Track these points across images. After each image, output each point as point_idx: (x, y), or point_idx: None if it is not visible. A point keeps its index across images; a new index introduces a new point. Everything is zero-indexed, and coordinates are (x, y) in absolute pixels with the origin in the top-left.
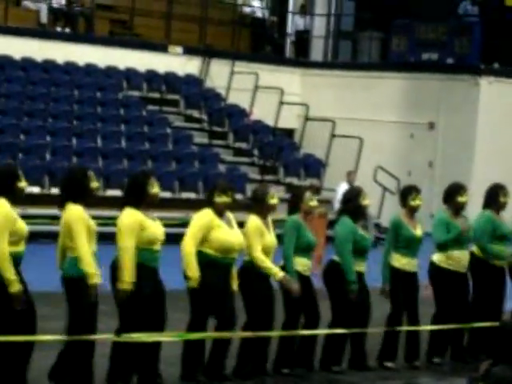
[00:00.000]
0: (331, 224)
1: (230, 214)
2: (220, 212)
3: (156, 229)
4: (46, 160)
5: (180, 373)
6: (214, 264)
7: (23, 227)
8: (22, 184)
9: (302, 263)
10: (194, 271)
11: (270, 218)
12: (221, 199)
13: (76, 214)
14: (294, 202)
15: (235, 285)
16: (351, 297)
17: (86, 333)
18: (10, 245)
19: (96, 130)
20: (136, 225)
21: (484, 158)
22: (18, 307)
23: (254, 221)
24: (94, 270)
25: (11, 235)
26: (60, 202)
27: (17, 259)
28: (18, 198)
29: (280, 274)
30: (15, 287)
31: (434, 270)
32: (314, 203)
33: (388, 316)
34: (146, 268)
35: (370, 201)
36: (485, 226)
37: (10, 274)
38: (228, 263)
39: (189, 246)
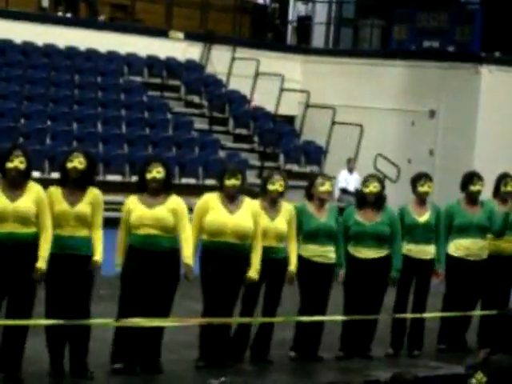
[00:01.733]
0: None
1: (247, 200)
2: (230, 195)
3: (143, 212)
4: (46, 145)
5: (198, 355)
6: (206, 250)
7: (4, 205)
8: (10, 164)
9: (308, 249)
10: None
11: (284, 203)
12: (230, 182)
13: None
14: (308, 190)
15: (253, 272)
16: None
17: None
18: None
19: (96, 115)
20: (126, 212)
21: (485, 146)
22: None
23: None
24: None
25: None
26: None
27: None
28: (9, 179)
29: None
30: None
31: (445, 258)
32: (323, 188)
33: (394, 304)
34: (136, 250)
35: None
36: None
37: None
38: (222, 247)
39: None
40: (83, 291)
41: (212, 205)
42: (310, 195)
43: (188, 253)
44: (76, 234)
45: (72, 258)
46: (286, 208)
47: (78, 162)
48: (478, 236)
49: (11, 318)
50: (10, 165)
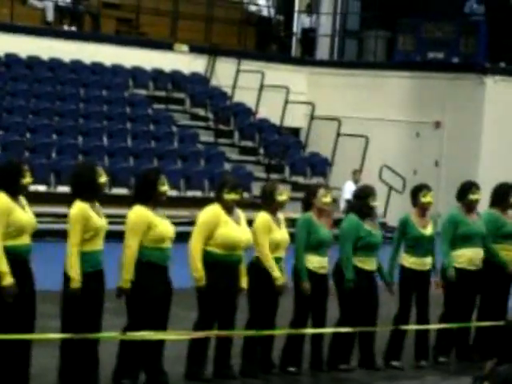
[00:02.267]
0: (337, 223)
1: (239, 211)
2: (228, 209)
3: (165, 226)
4: (52, 158)
5: (185, 371)
6: (219, 263)
7: (22, 219)
8: (26, 180)
9: (313, 261)
10: (199, 272)
11: (281, 215)
12: (229, 196)
13: (75, 213)
14: (308, 200)
15: (244, 282)
16: (347, 294)
17: (80, 331)
18: (7, 237)
19: (102, 129)
20: (143, 224)
21: (490, 156)
22: (8, 300)
23: (262, 217)
24: (74, 274)
25: (7, 227)
26: (70, 199)
27: (17, 253)
28: (21, 193)
29: (280, 280)
30: (6, 280)
31: (444, 268)
32: (327, 200)
33: (395, 315)
34: (156, 267)
35: (378, 202)
36: (490, 226)
37: (2, 266)
38: (234, 261)
39: (194, 245)
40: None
41: (222, 218)
42: (309, 205)
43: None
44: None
45: (101, 273)
46: (283, 218)
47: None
48: (479, 245)
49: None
50: (25, 180)
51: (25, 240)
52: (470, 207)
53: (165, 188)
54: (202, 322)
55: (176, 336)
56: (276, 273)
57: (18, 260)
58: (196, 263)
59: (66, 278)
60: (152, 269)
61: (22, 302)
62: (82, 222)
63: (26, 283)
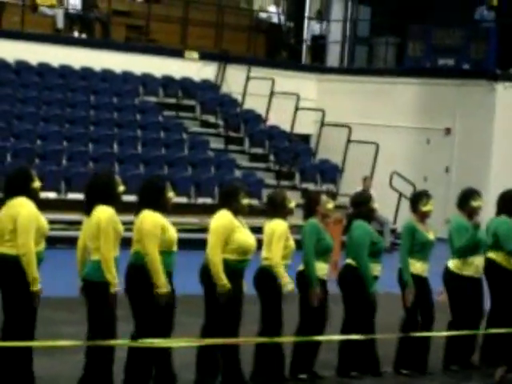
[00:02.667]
0: (345, 230)
1: (241, 218)
2: (242, 214)
3: (173, 231)
4: (62, 165)
5: (195, 378)
6: (232, 270)
7: (44, 225)
8: (36, 184)
9: (320, 268)
10: (222, 280)
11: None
12: (245, 201)
13: (108, 215)
14: (310, 206)
15: (245, 286)
16: (371, 300)
17: (108, 338)
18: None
19: (112, 136)
20: (159, 230)
21: (500, 163)
22: (36, 305)
23: (282, 225)
24: (114, 279)
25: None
26: (87, 206)
27: (39, 258)
28: (33, 199)
29: (290, 286)
30: (37, 286)
31: (450, 276)
32: (330, 206)
33: (402, 322)
34: (164, 272)
35: (383, 206)
36: (509, 232)
37: (35, 271)
38: (244, 267)
39: (214, 255)
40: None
41: (236, 224)
42: (312, 212)
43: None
44: None
45: None
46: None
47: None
48: (483, 253)
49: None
50: (36, 185)
51: (43, 245)
52: (471, 214)
53: (171, 194)
54: (211, 328)
55: (185, 343)
56: (286, 279)
57: (39, 265)
58: (219, 273)
59: (97, 286)
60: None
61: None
62: (114, 228)
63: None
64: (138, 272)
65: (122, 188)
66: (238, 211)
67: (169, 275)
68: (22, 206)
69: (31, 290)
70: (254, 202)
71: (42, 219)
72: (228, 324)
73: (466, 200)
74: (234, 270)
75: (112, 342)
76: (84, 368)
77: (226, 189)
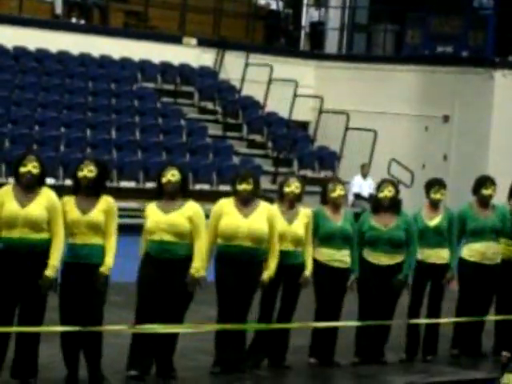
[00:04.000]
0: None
1: (259, 203)
2: (243, 200)
3: (154, 218)
4: (60, 151)
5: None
6: (220, 253)
7: (11, 211)
8: (23, 169)
9: (323, 253)
10: (202, 262)
11: (301, 208)
12: (240, 186)
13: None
14: (322, 195)
15: (266, 275)
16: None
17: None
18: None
19: (110, 122)
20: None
21: (499, 150)
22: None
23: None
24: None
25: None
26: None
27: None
28: (22, 183)
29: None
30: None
31: (459, 262)
32: (335, 194)
33: (408, 308)
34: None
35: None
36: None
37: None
38: (234, 252)
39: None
40: (96, 299)
41: (226, 210)
42: (324, 200)
43: (197, 264)
44: (88, 242)
45: (85, 266)
46: (303, 212)
47: (87, 171)
48: (491, 240)
49: (23, 325)
50: (23, 169)
51: (15, 233)
52: (482, 202)
53: (166, 179)
54: (219, 314)
55: (184, 329)
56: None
57: (10, 252)
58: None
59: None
60: (147, 259)
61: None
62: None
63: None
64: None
65: (80, 173)
66: (235, 196)
67: (158, 262)
68: None
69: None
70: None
71: (9, 206)
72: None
73: (478, 188)
74: (221, 254)
75: (109, 328)
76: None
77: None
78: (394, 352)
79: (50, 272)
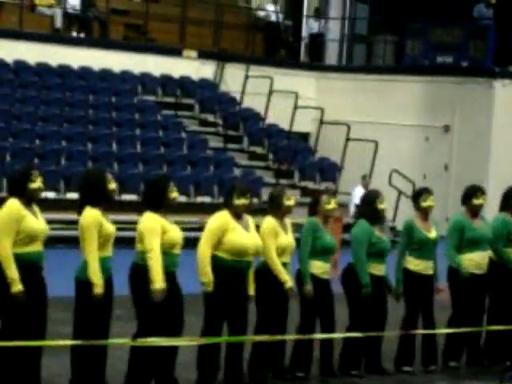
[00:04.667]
0: (347, 228)
1: (248, 217)
2: (238, 214)
3: (176, 232)
4: (61, 165)
5: (196, 378)
6: (227, 268)
7: (33, 226)
8: (34, 185)
9: (318, 266)
10: (207, 276)
11: (287, 220)
12: (239, 201)
13: (88, 219)
14: (312, 206)
15: (252, 289)
16: (363, 299)
17: (92, 337)
18: (19, 244)
19: (111, 135)
20: (159, 228)
21: (499, 160)
22: (16, 306)
23: (268, 221)
24: (98, 280)
25: (18, 234)
26: (79, 206)
27: (28, 259)
28: (32, 200)
29: (289, 283)
30: (15, 287)
31: (451, 273)
32: (330, 206)
33: (403, 319)
34: (165, 273)
35: (386, 204)
36: (501, 230)
37: (11, 272)
38: (242, 267)
39: (203, 250)
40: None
41: (231, 225)
42: (313, 211)
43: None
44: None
45: (110, 280)
46: (289, 223)
47: (114, 183)
48: (486, 249)
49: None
50: (33, 185)
51: (36, 247)
52: (474, 212)
53: (174, 194)
54: (209, 328)
55: (187, 342)
56: (284, 276)
57: (30, 267)
58: (204, 268)
59: (83, 285)
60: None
61: (33, 308)
62: (97, 228)
63: (38, 290)
64: (139, 272)
65: (112, 186)
66: (232, 210)
67: (171, 276)
68: (3, 208)
69: (11, 291)
70: (253, 200)
71: (30, 220)
72: (230, 323)
73: (469, 198)
74: (231, 270)
75: (112, 342)
76: (71, 367)
77: (228, 188)
78: (391, 363)
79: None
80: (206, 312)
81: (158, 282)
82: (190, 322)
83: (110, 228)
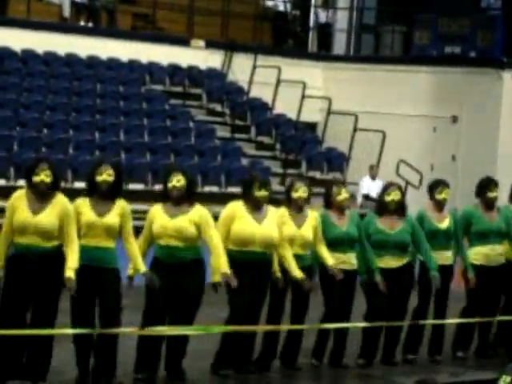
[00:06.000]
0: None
1: (270, 209)
2: (257, 205)
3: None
4: (68, 154)
5: (211, 365)
6: (234, 260)
7: (18, 219)
8: (36, 178)
9: (335, 257)
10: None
11: (310, 212)
12: (260, 193)
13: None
14: (325, 198)
15: (299, 272)
16: (379, 286)
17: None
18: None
19: (119, 124)
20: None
21: (507, 151)
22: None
23: (278, 212)
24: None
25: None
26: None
27: (17, 249)
28: (37, 192)
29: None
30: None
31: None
32: (341, 197)
33: (414, 309)
34: (164, 264)
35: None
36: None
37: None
38: (247, 258)
39: (221, 242)
40: (111, 302)
41: (239, 214)
42: (328, 203)
43: (222, 262)
44: (101, 245)
45: (96, 269)
46: (312, 215)
47: (106, 175)
48: (496, 242)
49: (35, 328)
50: (36, 178)
51: (24, 240)
52: (488, 204)
53: (171, 184)
54: (232, 317)
55: (192, 331)
56: (277, 266)
57: (19, 256)
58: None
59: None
60: (155, 263)
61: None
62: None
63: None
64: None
65: (99, 178)
66: (250, 202)
67: (170, 267)
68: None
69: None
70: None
71: (20, 213)
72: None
73: (482, 190)
74: (234, 261)
75: (119, 331)
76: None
77: (245, 179)
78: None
79: (69, 274)
80: (229, 302)
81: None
82: (202, 312)
83: (91, 218)
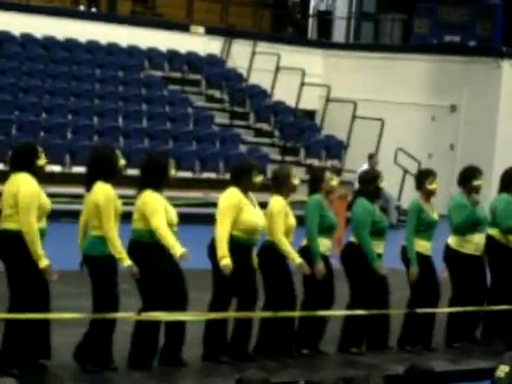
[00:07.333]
0: (350, 206)
1: (251, 194)
2: (251, 191)
3: (173, 213)
4: (67, 139)
5: (202, 353)
6: (239, 246)
7: (46, 202)
8: (41, 162)
9: (322, 244)
10: (225, 251)
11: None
12: (258, 179)
13: (107, 195)
14: (314, 183)
15: (255, 264)
16: (378, 274)
17: (110, 310)
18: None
19: (118, 110)
20: (163, 208)
21: (505, 140)
22: (50, 280)
23: (279, 202)
24: (123, 254)
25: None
26: (87, 181)
27: (41, 235)
28: (38, 176)
29: (298, 259)
30: (44, 262)
31: (450, 254)
32: (335, 183)
33: (409, 299)
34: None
35: (387, 183)
36: (508, 209)
37: (39, 248)
38: (252, 244)
39: (222, 230)
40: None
41: (244, 202)
42: (316, 189)
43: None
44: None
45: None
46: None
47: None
48: (484, 230)
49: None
50: (41, 162)
51: (43, 223)
52: (472, 193)
53: (173, 172)
54: (218, 303)
55: (193, 317)
56: (293, 254)
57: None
58: (223, 249)
59: (93, 261)
60: (163, 251)
61: (37, 282)
62: (113, 204)
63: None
64: (139, 248)
65: (122, 162)
66: (248, 188)
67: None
68: (23, 184)
69: (39, 267)
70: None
71: (44, 197)
72: (237, 297)
73: (468, 179)
74: (243, 246)
75: (116, 315)
76: (84, 336)
77: (238, 165)
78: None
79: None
80: (216, 287)
81: (179, 248)
82: (193, 298)
83: (120, 204)
